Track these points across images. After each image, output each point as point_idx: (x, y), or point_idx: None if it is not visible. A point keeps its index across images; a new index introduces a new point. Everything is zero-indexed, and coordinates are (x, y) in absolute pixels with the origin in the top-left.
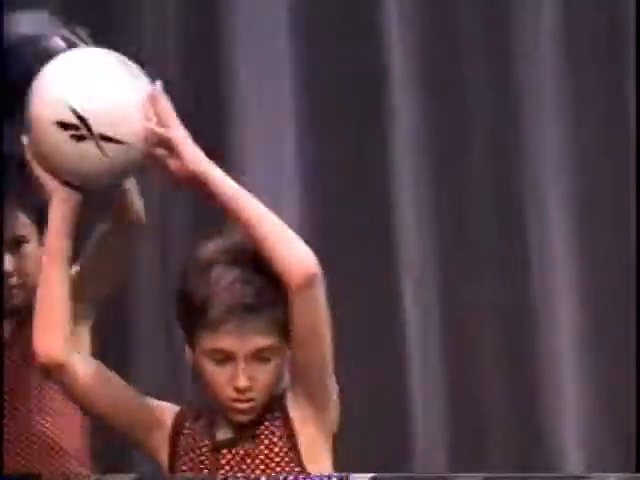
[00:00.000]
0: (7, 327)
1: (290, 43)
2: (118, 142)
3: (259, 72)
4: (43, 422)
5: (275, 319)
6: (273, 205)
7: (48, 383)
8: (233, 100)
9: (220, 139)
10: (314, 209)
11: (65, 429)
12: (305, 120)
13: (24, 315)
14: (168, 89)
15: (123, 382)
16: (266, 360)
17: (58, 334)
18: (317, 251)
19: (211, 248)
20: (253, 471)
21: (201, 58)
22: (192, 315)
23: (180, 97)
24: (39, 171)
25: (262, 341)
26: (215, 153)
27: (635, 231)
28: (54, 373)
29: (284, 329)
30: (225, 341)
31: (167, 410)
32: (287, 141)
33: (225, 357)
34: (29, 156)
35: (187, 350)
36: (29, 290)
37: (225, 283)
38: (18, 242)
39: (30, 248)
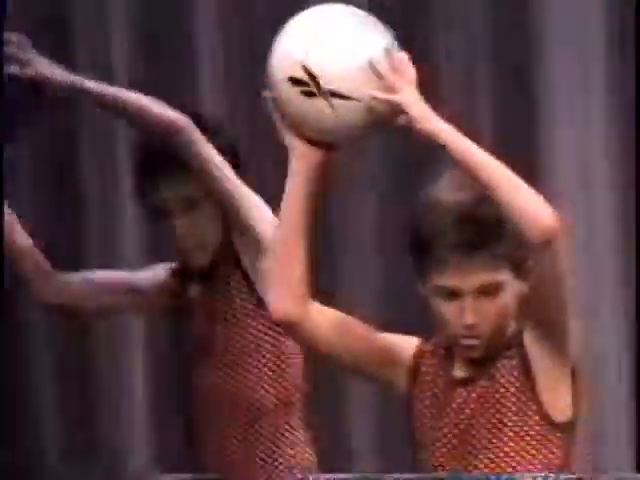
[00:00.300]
0: (195, 289)
1: (605, 41)
2: (347, 98)
3: (570, 72)
4: (233, 380)
5: (501, 254)
6: (585, 206)
7: (236, 342)
8: (544, 100)
9: (531, 139)
10: (626, 210)
11: (254, 384)
12: (615, 120)
13: (209, 275)
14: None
15: (360, 323)
16: (493, 295)
17: (295, 292)
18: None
19: (438, 186)
20: (488, 410)
21: (511, 57)
22: (420, 252)
23: (492, 96)
24: (280, 126)
25: (487, 277)
26: (525, 153)
27: (635, 230)
28: (291, 330)
29: (512, 263)
30: (450, 279)
31: (407, 345)
32: (595, 140)
33: (451, 293)
34: (272, 111)
35: (419, 284)
36: (208, 249)
37: (449, 221)
38: (189, 203)
39: (204, 207)
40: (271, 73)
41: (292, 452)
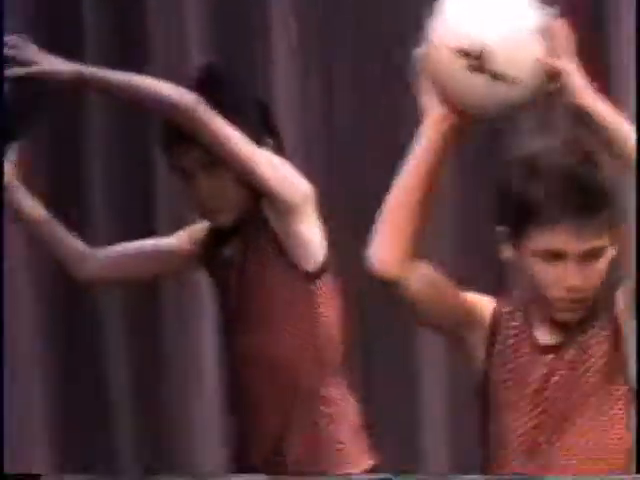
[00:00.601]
0: (229, 250)
1: None
2: (510, 81)
3: None
4: (269, 340)
5: (606, 219)
6: None
7: (271, 302)
8: None
9: None
10: None
11: (290, 344)
12: None
13: (239, 236)
14: None
15: (448, 282)
16: (595, 259)
17: (400, 248)
18: None
19: (538, 145)
20: (578, 379)
21: None
22: (522, 215)
23: None
24: (424, 87)
25: (594, 241)
26: None
27: (636, 231)
28: (388, 284)
29: (611, 229)
30: (558, 241)
31: (485, 307)
32: None
33: (556, 256)
34: (419, 67)
35: (507, 249)
36: (232, 210)
37: (559, 181)
38: (211, 163)
39: (227, 168)
40: (436, 38)
41: (330, 410)
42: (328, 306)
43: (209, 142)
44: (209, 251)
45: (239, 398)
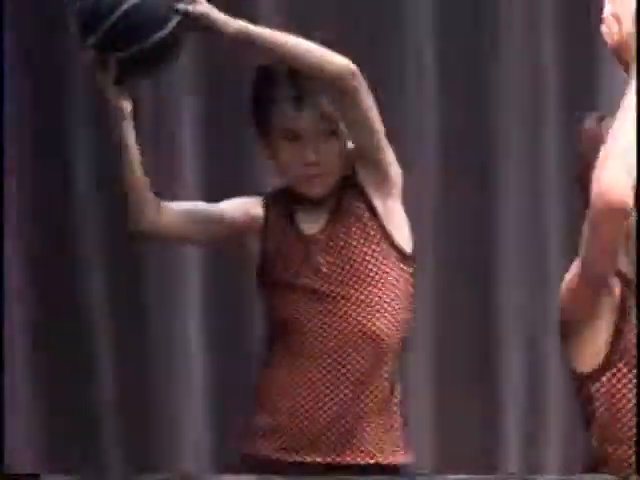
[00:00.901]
0: (307, 220)
1: None
2: None
3: None
4: (358, 317)
5: None
6: None
7: (366, 277)
8: None
9: None
10: None
11: (385, 320)
12: None
13: (329, 208)
14: None
15: None
16: None
17: (631, 176)
18: None
19: None
20: None
21: None
22: None
23: None
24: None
25: None
26: None
27: (635, 233)
28: (615, 216)
29: None
30: None
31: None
32: None
33: None
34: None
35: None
36: (331, 180)
37: None
38: (328, 128)
39: (338, 136)
40: None
41: (396, 389)
42: (412, 289)
43: (355, 108)
44: (277, 225)
45: (300, 376)
